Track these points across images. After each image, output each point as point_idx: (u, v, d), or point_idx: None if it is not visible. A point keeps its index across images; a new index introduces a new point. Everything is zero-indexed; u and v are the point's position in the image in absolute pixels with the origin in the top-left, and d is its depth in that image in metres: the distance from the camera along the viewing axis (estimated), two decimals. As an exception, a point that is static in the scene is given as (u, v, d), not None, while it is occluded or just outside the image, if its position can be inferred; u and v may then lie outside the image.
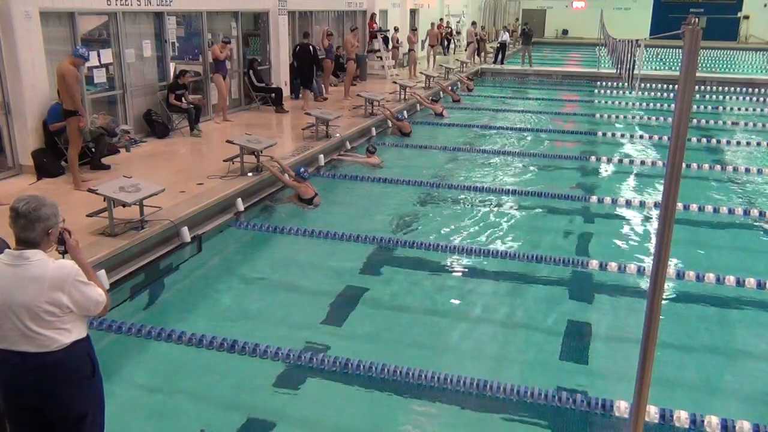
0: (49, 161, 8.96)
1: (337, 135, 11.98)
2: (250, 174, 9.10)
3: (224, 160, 9.35)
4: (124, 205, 6.82)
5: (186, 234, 7.29)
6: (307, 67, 14.76)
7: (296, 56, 15.11)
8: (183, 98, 11.70)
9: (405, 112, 15.12)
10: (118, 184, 7.05)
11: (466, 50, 26.55)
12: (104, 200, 6.75)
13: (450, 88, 19.32)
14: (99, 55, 10.35)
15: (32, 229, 3.00)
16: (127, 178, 7.37)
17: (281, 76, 15.71)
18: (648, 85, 20.33)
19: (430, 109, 16.31)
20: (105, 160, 9.47)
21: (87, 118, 8.95)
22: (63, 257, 3.23)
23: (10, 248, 3.71)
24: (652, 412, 4.48)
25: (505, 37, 26.75)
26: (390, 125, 14.09)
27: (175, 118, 11.87)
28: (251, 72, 14.51)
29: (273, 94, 14.64)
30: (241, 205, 8.49)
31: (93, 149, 9.25)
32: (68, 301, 3.02)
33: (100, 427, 3.32)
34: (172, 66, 12.23)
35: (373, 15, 21.70)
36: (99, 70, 10.44)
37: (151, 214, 7.14)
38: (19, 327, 2.98)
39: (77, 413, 3.16)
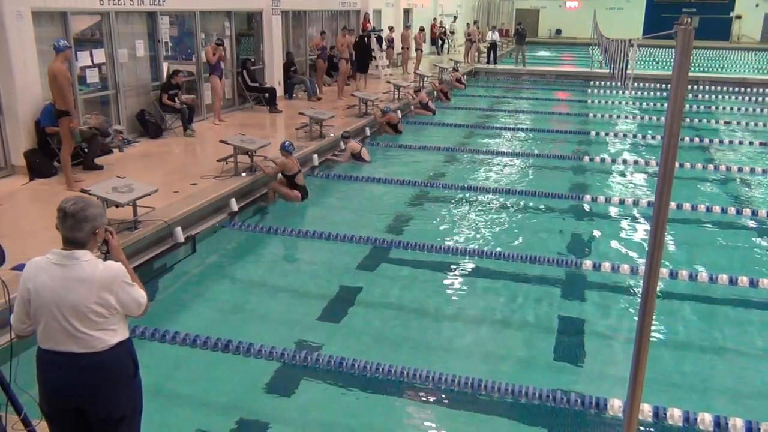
0: (41, 162, 8.92)
1: (331, 135, 11.97)
2: (243, 174, 9.08)
3: (218, 160, 9.33)
4: (117, 206, 6.81)
5: (180, 234, 7.27)
6: (363, 56, 18.40)
7: (356, 46, 17.99)
8: (176, 98, 11.66)
9: (391, 106, 15.02)
10: (111, 185, 7.03)
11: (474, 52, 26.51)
12: (97, 200, 6.73)
13: (440, 85, 19.30)
14: (92, 55, 10.31)
15: (80, 229, 3.00)
16: (120, 178, 7.34)
17: (275, 76, 15.69)
18: (641, 84, 20.41)
19: (421, 103, 16.32)
20: (98, 161, 9.44)
21: (79, 118, 8.92)
22: (105, 257, 3.23)
23: (5, 253, 3.69)
24: (646, 411, 4.50)
25: (495, 36, 26.76)
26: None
27: (168, 118, 11.84)
28: (245, 72, 14.49)
29: (266, 94, 14.62)
30: (234, 205, 8.47)
31: (86, 149, 9.21)
32: (115, 301, 3.03)
33: (137, 429, 3.31)
34: (165, 66, 12.19)
35: (366, 15, 21.70)
36: (92, 70, 10.40)
37: (144, 214, 7.12)
38: (66, 327, 2.98)
39: (119, 414, 3.15)
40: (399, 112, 14.93)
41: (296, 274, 7.29)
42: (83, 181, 8.37)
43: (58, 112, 8.12)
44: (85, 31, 10.63)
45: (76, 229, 2.99)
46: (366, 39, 18.94)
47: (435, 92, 18.40)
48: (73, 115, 8.22)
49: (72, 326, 2.97)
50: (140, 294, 3.15)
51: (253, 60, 15.01)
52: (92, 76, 10.46)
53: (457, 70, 21.53)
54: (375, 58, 21.17)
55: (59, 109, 8.08)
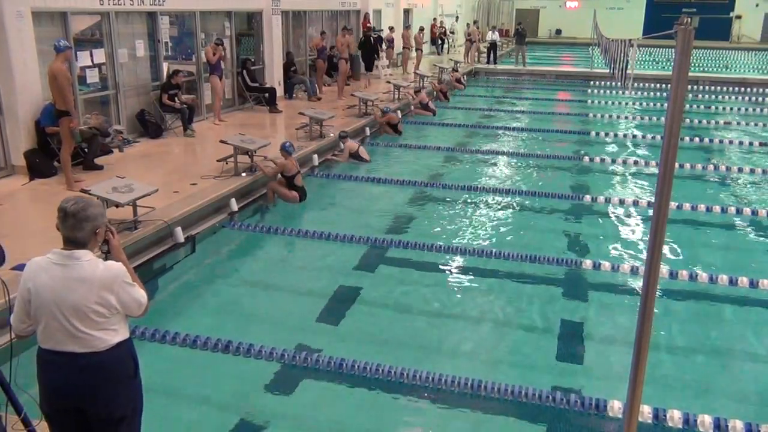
0: (41, 162, 8.92)
1: (331, 135, 11.97)
2: (243, 174, 9.08)
3: (218, 160, 9.33)
4: (117, 206, 6.81)
5: (180, 234, 7.27)
6: (369, 54, 19.36)
7: (362, 45, 19.17)
8: (176, 98, 11.66)
9: (391, 106, 15.03)
10: (111, 185, 7.03)
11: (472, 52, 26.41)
12: (97, 200, 6.73)
13: (440, 85, 19.28)
14: (92, 55, 10.31)
15: (81, 228, 3.00)
16: (120, 178, 7.34)
17: (275, 75, 15.69)
18: (641, 84, 20.41)
19: (421, 103, 16.31)
20: (98, 161, 9.43)
21: (79, 118, 8.92)
22: (106, 257, 3.24)
23: (5, 253, 3.69)
24: (646, 412, 4.49)
25: (495, 36, 26.75)
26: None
27: (168, 118, 11.84)
28: (245, 72, 14.49)
29: (266, 94, 14.62)
30: (234, 205, 8.46)
31: (86, 149, 9.21)
32: (116, 301, 3.03)
33: (137, 429, 3.31)
34: (165, 66, 12.19)
35: (366, 15, 21.70)
36: (92, 70, 10.39)
37: (144, 214, 7.12)
38: (67, 327, 2.97)
39: (119, 414, 3.15)
40: (399, 112, 14.91)
41: (296, 275, 7.29)
42: (83, 181, 8.37)
43: (58, 112, 8.12)
44: (85, 31, 10.63)
45: (76, 228, 2.99)
46: (371, 38, 19.47)
47: (435, 92, 18.40)
48: (73, 115, 8.22)
49: (72, 326, 2.97)
50: (141, 294, 3.15)
51: (253, 60, 15.01)
52: (92, 76, 10.46)
53: (457, 70, 21.53)
54: (379, 57, 21.20)
55: (59, 109, 8.08)
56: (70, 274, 2.98)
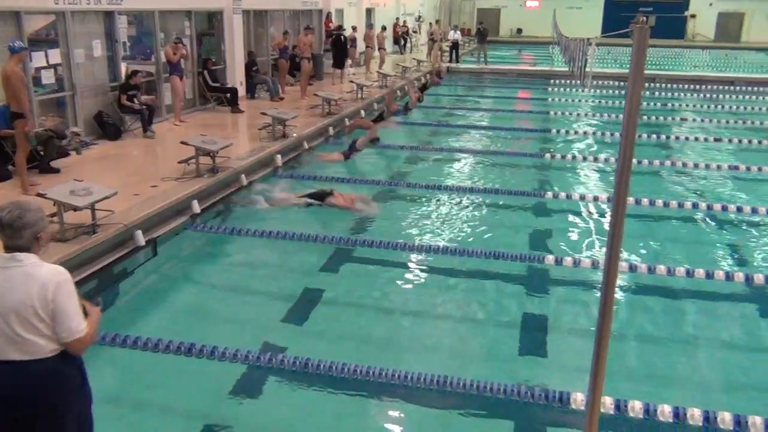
0: (-5, 165, 8.69)
1: (294, 135, 11.90)
2: (205, 175, 8.97)
3: (179, 162, 9.20)
4: (75, 209, 6.66)
5: (140, 237, 7.14)
6: (339, 52, 19.75)
7: (334, 44, 19.75)
8: (135, 99, 11.47)
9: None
10: (68, 188, 6.88)
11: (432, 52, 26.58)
12: (54, 205, 6.57)
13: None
14: (47, 56, 10.08)
15: (20, 237, 2.94)
16: (77, 181, 7.20)
17: (236, 75, 15.54)
18: (600, 82, 20.76)
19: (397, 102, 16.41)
20: (54, 164, 9.21)
21: (34, 121, 8.70)
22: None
23: None
24: (608, 403, 4.57)
25: (457, 35, 26.96)
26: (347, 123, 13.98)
27: (127, 120, 11.64)
28: (206, 72, 14.32)
29: (228, 94, 14.47)
30: (197, 207, 8.35)
31: (41, 152, 8.99)
32: (52, 304, 2.92)
33: None
34: (123, 66, 11.98)
35: (329, 14, 21.63)
36: (47, 70, 10.17)
37: (103, 218, 6.98)
38: (7, 332, 2.89)
39: (62, 426, 3.04)
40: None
41: (260, 275, 7.23)
42: (39, 184, 8.15)
43: (13, 115, 7.91)
44: (39, 31, 10.38)
45: (15, 237, 2.94)
46: (342, 37, 19.75)
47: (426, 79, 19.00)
48: (28, 118, 8.02)
49: (12, 330, 2.90)
50: (80, 321, 2.99)
51: (214, 60, 14.85)
52: (48, 77, 10.23)
53: (440, 66, 21.94)
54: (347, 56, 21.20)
55: (13, 111, 7.87)
56: (11, 275, 2.91)
